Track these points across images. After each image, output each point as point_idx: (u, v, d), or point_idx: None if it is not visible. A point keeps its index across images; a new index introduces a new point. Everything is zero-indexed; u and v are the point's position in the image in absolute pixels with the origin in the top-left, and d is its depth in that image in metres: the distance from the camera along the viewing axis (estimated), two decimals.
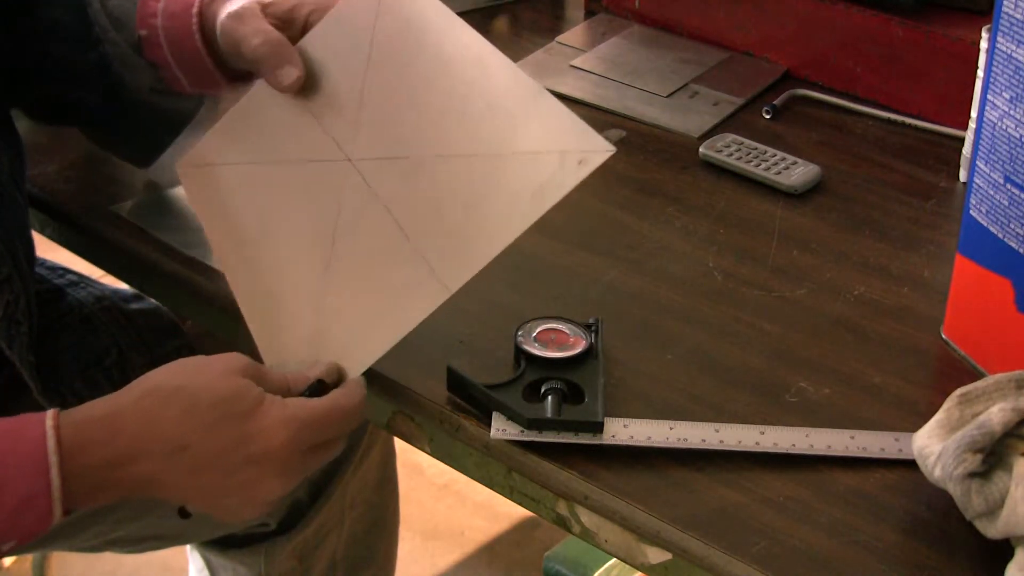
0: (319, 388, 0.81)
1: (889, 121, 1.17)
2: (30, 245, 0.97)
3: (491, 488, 0.84)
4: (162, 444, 0.76)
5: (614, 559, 1.20)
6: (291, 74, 0.88)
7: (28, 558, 1.87)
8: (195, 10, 0.94)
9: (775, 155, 1.09)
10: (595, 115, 1.19)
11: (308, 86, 0.89)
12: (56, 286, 1.11)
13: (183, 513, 0.82)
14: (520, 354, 0.85)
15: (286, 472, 0.78)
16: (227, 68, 0.95)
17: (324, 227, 0.86)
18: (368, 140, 0.86)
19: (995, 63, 0.81)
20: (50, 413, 0.75)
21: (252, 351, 0.96)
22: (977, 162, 0.84)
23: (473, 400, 0.83)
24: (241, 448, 0.76)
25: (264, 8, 0.91)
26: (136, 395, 0.77)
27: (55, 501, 0.74)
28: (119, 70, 0.97)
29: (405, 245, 0.82)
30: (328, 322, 0.85)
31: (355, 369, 0.83)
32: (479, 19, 1.34)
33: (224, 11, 0.93)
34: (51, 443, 0.74)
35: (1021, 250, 0.81)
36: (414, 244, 0.82)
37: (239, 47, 0.90)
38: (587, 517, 0.78)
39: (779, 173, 1.07)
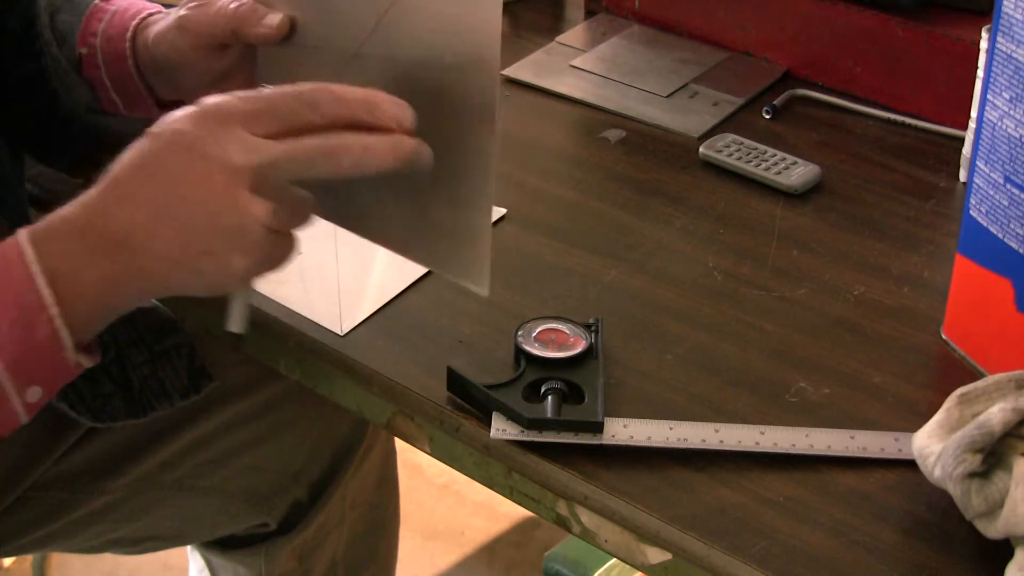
0: None
1: (889, 121, 1.17)
2: None
3: (491, 488, 0.84)
4: (119, 186, 0.75)
5: (614, 559, 1.19)
6: (275, 17, 0.88)
7: (28, 558, 1.87)
8: (129, 34, 0.95)
9: (775, 155, 1.09)
10: (595, 115, 1.19)
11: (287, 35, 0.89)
12: None
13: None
14: (520, 354, 0.85)
15: (234, 143, 0.74)
16: (157, 95, 0.97)
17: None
18: (352, 25, 0.84)
19: (995, 63, 0.81)
20: (22, 229, 0.75)
21: (255, 351, 0.96)
22: (977, 162, 0.84)
23: (473, 400, 0.83)
24: (175, 143, 0.74)
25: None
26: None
27: (49, 305, 0.73)
28: (56, 86, 0.97)
29: (427, 67, 0.80)
30: (430, 192, 0.83)
31: (483, 197, 0.80)
32: None
33: (154, 30, 0.94)
34: (28, 249, 0.73)
35: (1021, 250, 0.81)
36: (432, 56, 0.80)
37: (212, 28, 0.90)
38: (587, 517, 0.78)
39: (779, 173, 1.07)
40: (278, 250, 0.77)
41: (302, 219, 0.78)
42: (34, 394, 0.75)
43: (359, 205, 0.87)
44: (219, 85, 0.93)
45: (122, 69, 0.96)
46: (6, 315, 0.72)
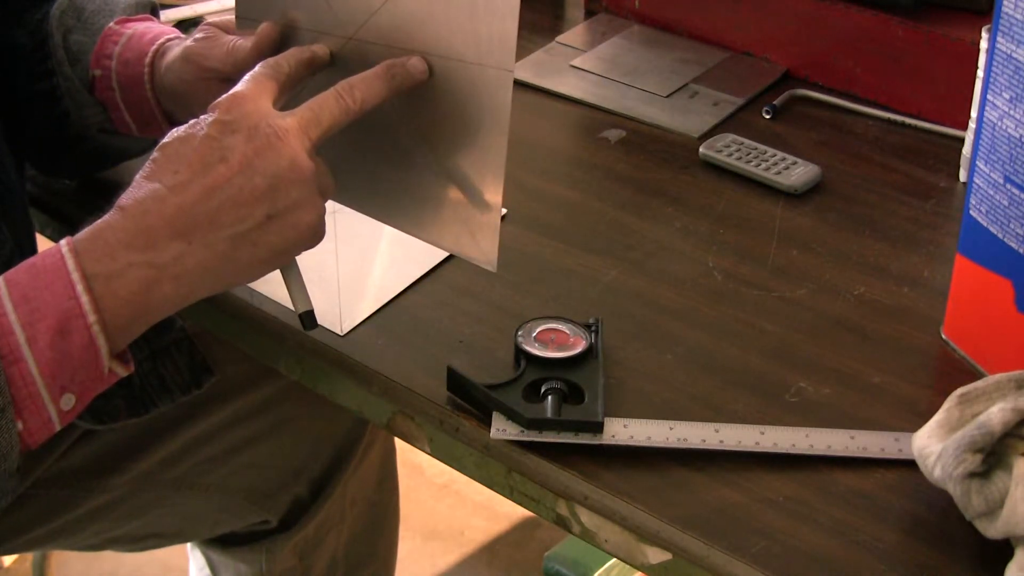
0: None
1: (889, 121, 1.17)
2: (34, 243, 0.98)
3: (491, 488, 0.84)
4: (164, 181, 0.75)
5: (614, 559, 1.20)
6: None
7: (28, 558, 1.87)
8: (148, 59, 0.95)
9: (775, 155, 1.09)
10: (595, 115, 1.19)
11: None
12: None
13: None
14: (520, 354, 0.85)
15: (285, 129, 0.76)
16: (173, 118, 0.97)
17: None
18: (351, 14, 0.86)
19: (995, 63, 0.81)
20: (65, 239, 0.74)
21: (255, 351, 0.96)
22: (977, 162, 0.84)
23: (473, 400, 0.83)
24: (223, 134, 0.76)
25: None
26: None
27: (88, 313, 0.72)
28: (68, 105, 0.97)
29: (445, 62, 0.81)
30: (445, 178, 0.84)
31: (495, 189, 0.81)
32: None
33: (167, 57, 0.94)
34: (69, 258, 0.73)
35: (1021, 250, 0.81)
36: (448, 53, 0.80)
37: (214, 62, 0.91)
38: (587, 517, 0.79)
39: (779, 173, 1.07)
40: (322, 219, 0.79)
41: (331, 188, 0.80)
42: (68, 401, 0.74)
43: (370, 185, 0.87)
44: None
45: (139, 93, 0.96)
46: (44, 321, 0.72)
